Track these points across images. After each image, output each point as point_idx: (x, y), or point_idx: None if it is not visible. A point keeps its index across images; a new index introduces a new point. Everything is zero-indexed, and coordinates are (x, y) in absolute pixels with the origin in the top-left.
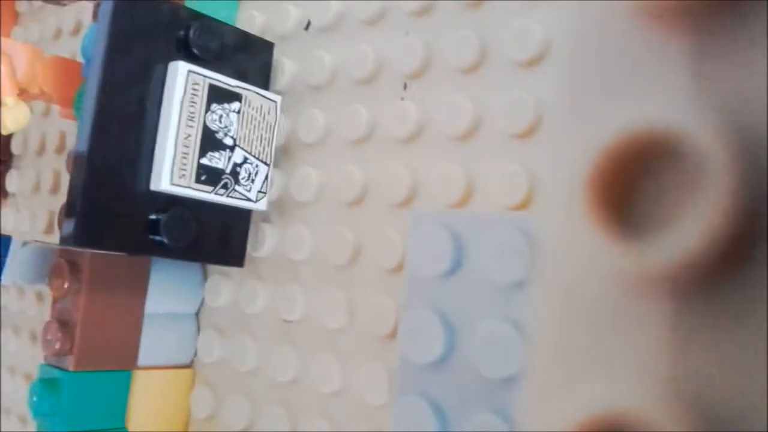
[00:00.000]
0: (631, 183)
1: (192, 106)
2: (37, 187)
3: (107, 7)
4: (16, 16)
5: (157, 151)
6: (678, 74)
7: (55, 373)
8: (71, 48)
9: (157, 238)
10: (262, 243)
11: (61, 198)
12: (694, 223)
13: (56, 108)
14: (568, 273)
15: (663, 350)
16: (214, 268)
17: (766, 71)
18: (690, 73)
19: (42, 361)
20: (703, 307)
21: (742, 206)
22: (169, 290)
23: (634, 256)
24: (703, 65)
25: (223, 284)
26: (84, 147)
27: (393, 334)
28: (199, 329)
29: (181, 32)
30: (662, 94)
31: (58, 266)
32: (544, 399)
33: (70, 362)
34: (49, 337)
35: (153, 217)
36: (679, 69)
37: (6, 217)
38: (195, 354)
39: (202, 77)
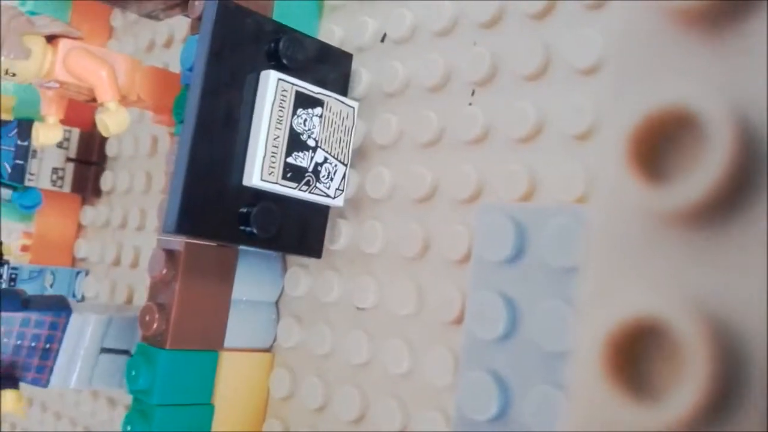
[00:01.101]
0: (659, 144)
1: (281, 110)
2: (130, 188)
3: (209, 21)
4: (110, 29)
5: (249, 151)
6: (696, 64)
7: (152, 351)
8: (164, 60)
9: (247, 229)
10: (339, 237)
11: (153, 197)
12: (704, 173)
13: (149, 114)
14: (614, 211)
15: (683, 265)
16: (293, 261)
17: (762, 62)
18: (705, 63)
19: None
20: (712, 233)
21: (738, 160)
22: (253, 280)
23: (662, 197)
24: (715, 57)
25: (301, 275)
26: (186, 146)
27: (459, 320)
28: (279, 316)
29: (271, 44)
30: (683, 79)
31: (157, 255)
32: (595, 303)
33: (166, 341)
34: (147, 318)
35: (244, 210)
36: (697, 60)
37: (99, 214)
38: (275, 339)
39: (289, 85)
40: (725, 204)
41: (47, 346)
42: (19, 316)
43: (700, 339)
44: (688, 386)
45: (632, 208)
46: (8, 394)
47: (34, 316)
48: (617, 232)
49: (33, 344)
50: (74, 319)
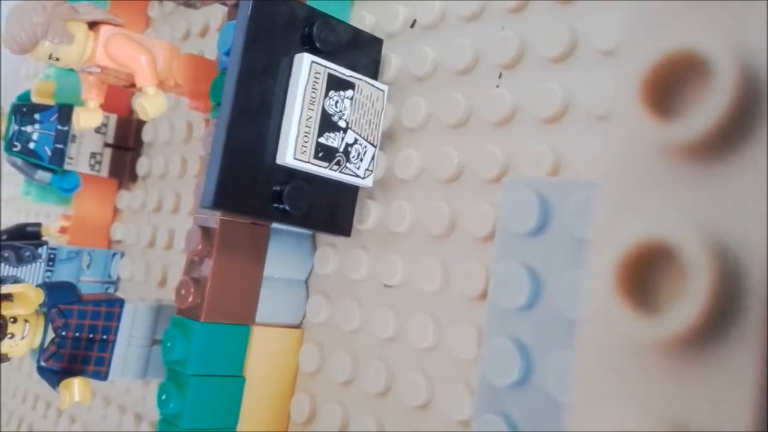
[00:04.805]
0: (670, 85)
1: (313, 92)
2: (165, 172)
3: (246, 7)
4: (147, 19)
5: (282, 131)
6: (704, 13)
7: (187, 324)
8: (199, 48)
9: (280, 206)
10: (367, 216)
11: (188, 181)
12: (709, 109)
13: (184, 102)
14: (628, 145)
15: (689, 195)
16: (322, 240)
17: (764, 17)
18: (713, 12)
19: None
20: (716, 166)
21: (740, 99)
22: (284, 258)
23: (671, 132)
24: (724, 14)
25: (330, 254)
26: (224, 126)
27: (483, 296)
28: (308, 294)
29: (305, 29)
30: (691, 25)
31: (194, 232)
32: (609, 227)
33: (200, 314)
34: (183, 292)
35: (277, 188)
36: (706, 10)
37: (135, 198)
38: (304, 315)
39: (322, 67)
40: (728, 139)
41: (104, 337)
42: (76, 307)
43: (703, 259)
44: (690, 300)
45: (645, 142)
46: (75, 382)
47: (90, 307)
48: (631, 164)
49: (91, 335)
50: (126, 309)
